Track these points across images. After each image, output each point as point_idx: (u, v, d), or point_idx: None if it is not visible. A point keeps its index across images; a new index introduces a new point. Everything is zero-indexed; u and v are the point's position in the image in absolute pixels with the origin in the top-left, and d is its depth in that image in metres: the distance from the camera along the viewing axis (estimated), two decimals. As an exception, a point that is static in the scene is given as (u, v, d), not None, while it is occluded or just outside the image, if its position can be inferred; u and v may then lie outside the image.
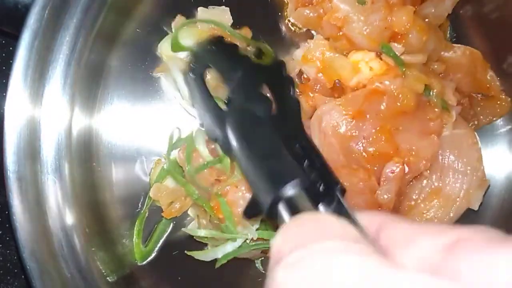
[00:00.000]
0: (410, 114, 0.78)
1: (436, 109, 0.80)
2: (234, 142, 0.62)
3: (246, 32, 0.86)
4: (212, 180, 0.77)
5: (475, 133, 0.86)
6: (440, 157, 0.83)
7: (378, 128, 0.77)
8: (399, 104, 0.77)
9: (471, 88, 0.89)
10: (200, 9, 0.86)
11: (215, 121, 0.67)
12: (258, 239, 0.77)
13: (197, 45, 0.77)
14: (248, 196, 0.74)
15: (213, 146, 0.78)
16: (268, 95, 0.65)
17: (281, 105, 0.64)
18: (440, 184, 0.84)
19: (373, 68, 0.80)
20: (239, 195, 0.75)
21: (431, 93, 0.80)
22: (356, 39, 0.80)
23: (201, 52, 0.75)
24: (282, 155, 0.56)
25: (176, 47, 0.82)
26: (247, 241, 0.76)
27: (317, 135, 0.80)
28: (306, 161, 0.55)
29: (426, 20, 0.83)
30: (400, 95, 0.77)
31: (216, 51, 0.74)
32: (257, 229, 0.76)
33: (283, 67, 0.70)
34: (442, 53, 0.86)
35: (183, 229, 0.78)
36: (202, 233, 0.77)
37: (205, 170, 0.77)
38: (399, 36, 0.80)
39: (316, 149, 0.58)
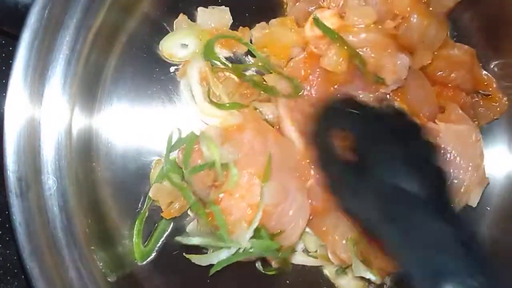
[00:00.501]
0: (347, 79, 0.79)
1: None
2: (384, 222, 0.57)
3: (245, 32, 0.86)
4: (208, 183, 0.77)
5: (478, 130, 0.86)
6: (442, 151, 0.83)
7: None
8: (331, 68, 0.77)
9: (472, 85, 0.90)
10: (200, 9, 0.86)
11: (351, 191, 0.64)
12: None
13: (323, 106, 0.74)
14: (243, 205, 0.74)
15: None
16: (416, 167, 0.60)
17: (428, 178, 0.59)
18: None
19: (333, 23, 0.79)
20: (232, 203, 0.75)
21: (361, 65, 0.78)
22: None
23: (327, 113, 0.72)
24: (449, 248, 0.53)
25: (209, 54, 0.83)
26: (240, 250, 0.75)
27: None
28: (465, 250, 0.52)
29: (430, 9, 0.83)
30: (334, 58, 0.76)
31: (345, 112, 0.70)
32: (250, 238, 0.74)
33: (420, 131, 0.64)
34: (446, 50, 0.86)
35: (176, 238, 0.78)
36: (195, 241, 0.76)
37: (203, 172, 0.76)
38: (401, 19, 0.79)
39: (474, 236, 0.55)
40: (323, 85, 0.79)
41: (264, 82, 0.83)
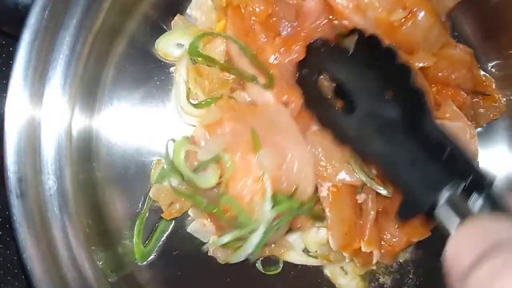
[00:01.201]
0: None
1: None
2: (373, 147, 0.66)
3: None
4: (215, 182, 0.77)
5: (473, 127, 0.86)
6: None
7: None
8: None
9: (472, 85, 0.90)
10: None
11: (340, 127, 0.72)
12: (277, 216, 0.75)
13: (307, 50, 0.79)
14: (250, 183, 0.75)
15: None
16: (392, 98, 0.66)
17: (407, 105, 0.65)
18: None
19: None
20: (239, 187, 0.75)
21: None
22: (363, 4, 0.79)
23: (312, 56, 0.78)
24: (430, 159, 0.59)
25: (193, 53, 0.83)
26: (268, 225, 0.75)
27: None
28: (449, 157, 0.58)
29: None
30: None
31: (329, 54, 0.77)
32: (271, 209, 0.74)
33: (409, 71, 0.68)
34: (448, 50, 0.86)
35: (204, 247, 0.80)
36: (226, 239, 0.76)
37: (209, 174, 0.77)
38: (409, 15, 0.80)
39: (454, 142, 0.60)
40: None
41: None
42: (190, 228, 0.84)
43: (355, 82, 0.72)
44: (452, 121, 0.84)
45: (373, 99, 0.68)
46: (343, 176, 0.80)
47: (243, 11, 0.81)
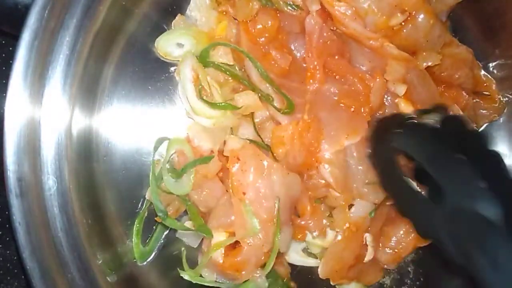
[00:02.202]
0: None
1: None
2: (467, 250, 0.52)
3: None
4: (188, 191, 0.80)
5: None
6: None
7: None
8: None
9: (473, 85, 0.90)
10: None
11: (425, 218, 0.59)
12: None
13: (381, 124, 0.74)
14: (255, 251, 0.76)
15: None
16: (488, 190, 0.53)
17: (505, 197, 0.52)
18: None
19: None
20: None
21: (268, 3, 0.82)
22: (362, 10, 0.80)
23: (387, 132, 0.71)
24: None
25: (204, 62, 0.83)
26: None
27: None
28: None
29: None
30: None
31: (407, 131, 0.68)
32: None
33: (499, 160, 0.58)
34: (451, 49, 0.87)
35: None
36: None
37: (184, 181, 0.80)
38: (408, 18, 0.80)
39: None
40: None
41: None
42: (179, 234, 0.84)
43: (441, 166, 0.59)
44: None
45: (464, 189, 0.55)
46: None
47: (252, 30, 0.81)
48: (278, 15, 0.82)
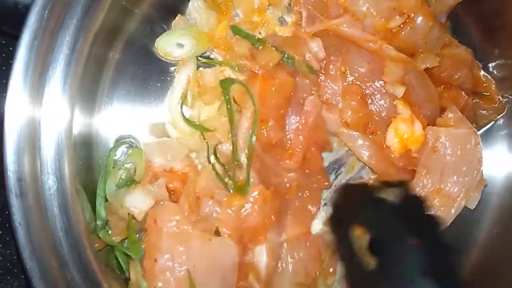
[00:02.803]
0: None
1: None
2: None
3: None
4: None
5: (478, 134, 0.86)
6: (441, 153, 0.83)
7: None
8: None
9: (472, 85, 0.90)
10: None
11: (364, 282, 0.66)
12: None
13: (344, 191, 0.77)
14: None
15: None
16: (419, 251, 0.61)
17: (434, 260, 0.60)
18: (442, 186, 0.84)
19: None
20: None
21: (289, 61, 0.83)
22: (360, 14, 0.81)
23: (348, 201, 0.75)
24: None
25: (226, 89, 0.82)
26: None
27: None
28: None
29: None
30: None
31: (368, 203, 0.72)
32: None
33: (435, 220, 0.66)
34: (451, 49, 0.87)
35: None
36: None
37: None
38: (407, 20, 0.81)
39: None
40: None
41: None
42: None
43: (392, 247, 0.65)
44: (457, 128, 0.84)
45: (408, 273, 0.61)
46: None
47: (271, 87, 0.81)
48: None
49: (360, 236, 0.71)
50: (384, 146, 0.85)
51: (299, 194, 0.83)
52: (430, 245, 0.63)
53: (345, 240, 0.71)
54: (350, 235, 0.70)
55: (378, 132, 0.86)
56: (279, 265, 0.80)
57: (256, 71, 0.82)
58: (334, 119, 0.84)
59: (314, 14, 0.84)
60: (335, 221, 0.78)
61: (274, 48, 0.83)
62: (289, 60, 0.83)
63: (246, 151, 0.80)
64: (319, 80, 0.86)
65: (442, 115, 0.86)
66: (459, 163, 0.84)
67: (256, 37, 0.84)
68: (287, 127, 0.84)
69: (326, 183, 0.85)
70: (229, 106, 0.81)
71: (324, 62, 0.85)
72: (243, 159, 0.80)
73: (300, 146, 0.82)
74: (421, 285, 0.59)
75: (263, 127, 0.80)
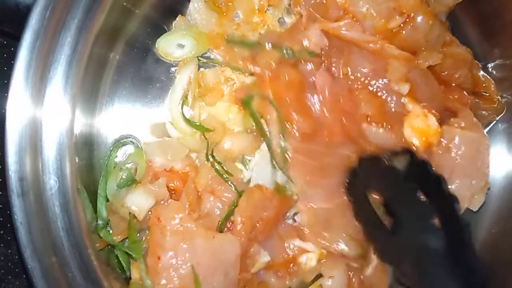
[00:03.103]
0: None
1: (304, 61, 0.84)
2: (413, 271, 0.66)
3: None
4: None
5: (488, 139, 0.87)
6: (453, 154, 0.84)
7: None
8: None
9: (472, 85, 0.90)
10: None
11: (384, 244, 0.74)
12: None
13: (359, 161, 0.81)
14: None
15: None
16: (438, 225, 0.67)
17: (451, 233, 0.65)
18: (450, 186, 0.84)
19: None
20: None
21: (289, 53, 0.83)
22: (360, 14, 0.81)
23: (363, 169, 0.79)
24: None
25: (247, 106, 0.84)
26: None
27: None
28: None
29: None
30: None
31: (380, 171, 0.78)
32: None
33: (454, 202, 0.70)
34: (451, 48, 0.87)
35: None
36: None
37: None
38: (407, 20, 0.81)
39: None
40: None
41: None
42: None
43: (403, 204, 0.72)
44: (471, 131, 0.84)
45: (419, 224, 0.68)
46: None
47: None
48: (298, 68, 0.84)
49: (376, 199, 0.78)
50: (404, 140, 0.85)
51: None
52: (437, 199, 0.69)
53: (363, 203, 0.77)
54: (367, 199, 0.77)
55: (395, 126, 0.85)
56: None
57: (262, 73, 0.82)
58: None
59: (314, 15, 0.84)
60: (351, 187, 0.81)
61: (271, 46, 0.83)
62: (289, 52, 0.83)
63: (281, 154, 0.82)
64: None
65: (456, 117, 0.86)
66: (469, 166, 0.84)
67: (250, 41, 0.84)
68: (312, 109, 0.84)
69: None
70: (256, 121, 0.84)
71: (327, 45, 0.84)
72: (280, 163, 0.82)
73: (333, 120, 0.83)
74: (431, 232, 0.66)
75: (291, 125, 0.81)
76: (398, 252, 0.70)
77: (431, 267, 0.63)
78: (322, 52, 0.84)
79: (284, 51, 0.83)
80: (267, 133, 0.84)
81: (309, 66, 0.84)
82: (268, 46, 0.83)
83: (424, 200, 0.71)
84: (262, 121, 0.85)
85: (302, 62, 0.84)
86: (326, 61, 0.85)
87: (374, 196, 0.79)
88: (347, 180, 0.81)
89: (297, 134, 0.82)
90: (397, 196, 0.74)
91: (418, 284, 0.66)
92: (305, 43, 0.83)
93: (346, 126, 0.84)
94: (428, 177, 0.73)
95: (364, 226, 0.79)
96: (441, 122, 0.85)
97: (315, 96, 0.84)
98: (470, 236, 0.67)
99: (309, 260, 0.83)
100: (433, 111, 0.84)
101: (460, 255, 0.63)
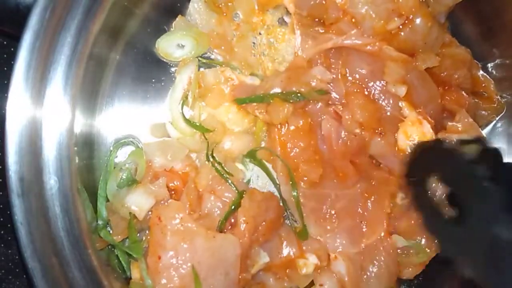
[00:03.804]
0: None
1: None
2: (479, 269, 0.61)
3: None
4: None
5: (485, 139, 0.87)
6: None
7: None
8: None
9: (472, 85, 0.90)
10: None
11: (446, 237, 0.69)
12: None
13: (419, 149, 0.78)
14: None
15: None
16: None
17: None
18: None
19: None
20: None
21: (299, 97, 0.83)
22: (359, 16, 0.81)
23: (425, 156, 0.76)
24: None
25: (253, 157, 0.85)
26: None
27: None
28: None
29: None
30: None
31: (444, 157, 0.72)
32: None
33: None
34: (451, 49, 0.87)
35: None
36: None
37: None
38: (406, 22, 0.81)
39: None
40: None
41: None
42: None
43: (471, 194, 0.66)
44: (467, 134, 0.84)
45: (489, 217, 0.63)
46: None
47: (288, 135, 0.83)
48: (307, 109, 0.84)
49: (437, 188, 0.73)
50: (397, 149, 0.85)
51: (369, 200, 0.85)
52: (507, 189, 0.63)
53: (423, 192, 0.73)
54: (428, 187, 0.72)
55: (388, 132, 0.85)
56: (363, 273, 0.83)
57: (273, 125, 0.83)
58: (349, 119, 0.85)
59: (308, 32, 0.85)
60: (412, 175, 0.79)
61: (280, 94, 0.82)
62: (298, 96, 0.81)
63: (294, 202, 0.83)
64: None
65: (453, 122, 0.85)
66: None
67: (259, 96, 0.83)
68: (322, 149, 0.85)
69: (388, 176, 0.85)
70: (265, 169, 0.85)
71: (333, 76, 0.85)
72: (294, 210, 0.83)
73: (342, 162, 0.84)
74: (502, 223, 0.60)
75: (299, 174, 0.82)
76: (464, 244, 0.65)
77: (503, 258, 0.59)
78: (331, 84, 0.85)
79: (293, 97, 0.81)
80: (276, 180, 0.85)
81: (319, 105, 0.84)
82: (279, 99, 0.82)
83: (495, 189, 0.63)
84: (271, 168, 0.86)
85: (311, 102, 0.84)
86: (334, 106, 0.85)
87: (436, 185, 0.74)
88: (408, 169, 0.79)
89: (304, 184, 0.83)
90: (465, 185, 0.67)
91: (487, 276, 0.61)
92: (313, 82, 0.82)
93: (356, 164, 0.84)
94: (500, 167, 0.67)
95: (424, 216, 0.75)
96: (437, 127, 0.85)
97: (324, 143, 0.85)
98: None
99: (306, 266, 0.83)
100: (429, 118, 0.84)
101: None
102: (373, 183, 0.85)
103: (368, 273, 0.83)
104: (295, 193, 0.82)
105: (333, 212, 0.84)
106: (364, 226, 0.84)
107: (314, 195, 0.83)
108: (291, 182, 0.82)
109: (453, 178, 0.70)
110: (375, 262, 0.83)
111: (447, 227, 0.68)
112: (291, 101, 0.81)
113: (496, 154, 0.69)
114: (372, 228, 0.84)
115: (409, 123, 0.83)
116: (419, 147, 0.80)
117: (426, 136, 0.83)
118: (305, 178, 0.82)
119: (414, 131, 0.83)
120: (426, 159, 0.76)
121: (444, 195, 0.72)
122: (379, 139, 0.84)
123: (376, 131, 0.84)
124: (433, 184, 0.73)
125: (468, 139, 0.74)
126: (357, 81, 0.85)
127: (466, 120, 0.84)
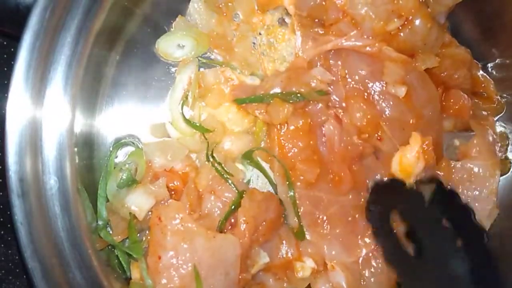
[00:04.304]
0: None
1: None
2: None
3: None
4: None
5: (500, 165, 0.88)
6: (465, 184, 0.85)
7: None
8: None
9: (471, 85, 0.90)
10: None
11: (407, 268, 0.74)
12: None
13: (377, 185, 0.82)
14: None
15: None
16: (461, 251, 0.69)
17: (476, 259, 0.67)
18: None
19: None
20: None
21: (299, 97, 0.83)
22: (359, 17, 0.81)
23: (384, 193, 0.80)
24: None
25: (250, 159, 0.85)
26: None
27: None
28: None
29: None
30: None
31: (403, 195, 0.78)
32: None
33: (483, 234, 0.73)
34: (451, 49, 0.87)
35: None
36: None
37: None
38: (405, 22, 0.81)
39: None
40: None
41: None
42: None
43: (428, 230, 0.74)
44: (483, 161, 0.86)
45: (444, 250, 0.70)
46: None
47: (287, 135, 0.83)
48: (307, 109, 0.84)
49: (398, 226, 0.78)
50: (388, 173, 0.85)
51: (357, 215, 0.84)
52: (462, 229, 0.71)
53: (384, 229, 0.78)
54: (389, 225, 0.77)
55: (387, 140, 0.85)
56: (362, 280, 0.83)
57: (272, 125, 0.83)
58: (348, 123, 0.85)
59: (308, 33, 0.85)
60: (373, 213, 0.82)
61: (279, 95, 0.82)
62: (298, 97, 0.81)
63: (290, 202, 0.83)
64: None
65: (470, 142, 0.87)
66: (482, 193, 0.86)
67: (259, 96, 0.83)
68: (321, 150, 0.84)
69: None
70: (262, 170, 0.85)
71: (333, 78, 0.85)
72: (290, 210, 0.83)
73: (340, 166, 0.84)
74: (457, 257, 0.68)
75: (296, 173, 0.82)
76: (423, 278, 0.71)
77: None
78: (331, 87, 0.85)
79: (293, 98, 0.81)
80: (273, 180, 0.85)
81: (319, 106, 0.84)
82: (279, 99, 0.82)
83: (449, 227, 0.72)
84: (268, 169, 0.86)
85: (311, 102, 0.84)
86: (334, 109, 0.85)
87: (396, 219, 0.79)
88: (368, 206, 0.82)
89: (300, 183, 0.83)
90: (422, 223, 0.74)
91: None
92: (313, 83, 0.82)
93: (354, 172, 0.84)
94: (455, 207, 0.74)
95: (385, 252, 0.79)
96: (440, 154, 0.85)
97: (324, 139, 0.85)
98: (496, 261, 0.69)
99: (303, 270, 0.83)
100: (432, 153, 0.82)
101: (485, 279, 0.65)
102: (362, 200, 0.85)
103: (367, 280, 0.82)
104: (291, 193, 0.82)
105: (324, 218, 0.83)
106: (359, 239, 0.84)
107: (308, 196, 0.83)
108: (287, 182, 0.82)
109: (412, 215, 0.76)
110: (372, 269, 0.82)
111: (407, 261, 0.74)
112: (291, 101, 0.81)
113: (451, 194, 0.75)
114: (363, 240, 0.84)
115: (409, 151, 0.82)
116: (378, 184, 0.83)
117: (414, 172, 0.82)
118: (302, 178, 0.82)
119: (410, 162, 0.82)
120: (385, 196, 0.81)
121: (404, 231, 0.78)
122: (373, 158, 0.85)
123: (376, 135, 0.85)
124: (394, 221, 0.78)
125: (425, 179, 0.80)
126: (357, 83, 0.85)
127: (487, 143, 0.87)
